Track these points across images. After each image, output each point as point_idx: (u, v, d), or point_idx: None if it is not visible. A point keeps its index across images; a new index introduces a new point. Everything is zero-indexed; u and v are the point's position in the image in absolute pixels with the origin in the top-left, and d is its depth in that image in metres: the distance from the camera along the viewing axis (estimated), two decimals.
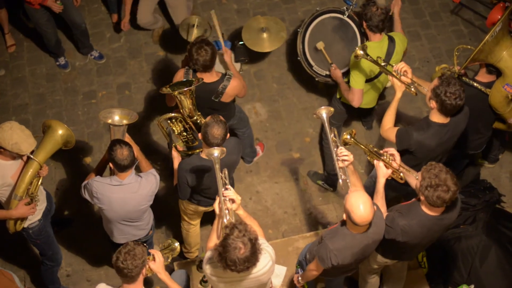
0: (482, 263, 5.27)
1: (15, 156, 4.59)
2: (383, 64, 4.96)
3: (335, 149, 4.31)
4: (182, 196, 4.94)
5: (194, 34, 5.83)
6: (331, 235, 4.20)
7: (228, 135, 4.59)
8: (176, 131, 5.16)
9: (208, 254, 4.01)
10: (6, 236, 5.19)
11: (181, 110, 5.02)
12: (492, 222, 5.41)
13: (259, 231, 4.12)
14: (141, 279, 3.94)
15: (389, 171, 4.41)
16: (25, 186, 4.64)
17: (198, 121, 5.07)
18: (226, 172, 4.16)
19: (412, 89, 4.80)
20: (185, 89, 4.84)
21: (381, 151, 4.46)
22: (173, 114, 5.09)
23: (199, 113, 5.10)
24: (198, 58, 4.92)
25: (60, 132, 4.73)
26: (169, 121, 5.16)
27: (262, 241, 3.95)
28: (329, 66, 5.74)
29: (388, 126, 4.85)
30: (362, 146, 4.52)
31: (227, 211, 3.94)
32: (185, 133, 5.20)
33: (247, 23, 6.19)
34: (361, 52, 4.94)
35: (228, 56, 5.54)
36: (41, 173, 4.74)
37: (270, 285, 4.29)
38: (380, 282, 5.30)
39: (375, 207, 4.06)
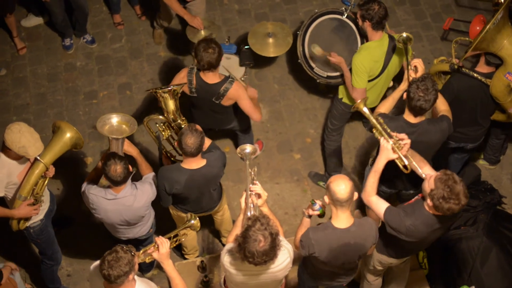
0: (483, 264, 5.26)
1: (21, 157, 4.60)
2: (410, 55, 4.92)
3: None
4: (163, 203, 4.96)
5: (201, 36, 5.90)
6: (317, 226, 4.28)
7: (206, 146, 4.63)
8: (165, 135, 5.17)
9: (228, 246, 4.06)
10: (7, 234, 5.20)
11: (165, 114, 5.04)
12: (493, 224, 5.40)
13: (279, 230, 4.14)
14: (128, 282, 3.86)
15: (394, 155, 4.35)
16: (30, 187, 4.65)
17: (183, 126, 5.07)
18: (256, 169, 4.24)
19: None
20: (168, 88, 4.87)
21: (392, 133, 4.38)
22: (159, 117, 5.11)
23: (184, 118, 5.11)
24: (204, 56, 4.95)
25: (69, 134, 4.72)
26: (157, 125, 5.16)
27: (281, 238, 4.00)
28: (329, 62, 5.66)
29: (381, 109, 4.82)
30: (372, 118, 4.44)
31: (252, 205, 4.00)
32: (174, 140, 5.21)
33: (253, 28, 6.21)
34: (405, 35, 4.95)
35: (252, 92, 5.45)
36: (48, 174, 4.75)
37: (283, 280, 4.32)
38: (382, 283, 5.30)
39: (359, 212, 4.08)
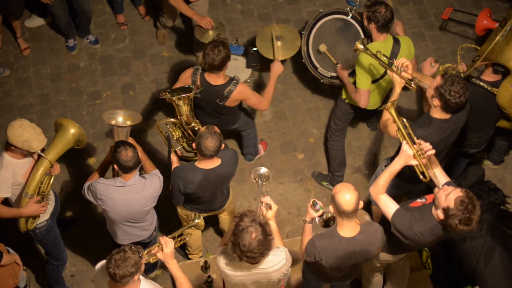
0: (486, 264, 5.25)
1: (26, 154, 4.61)
2: (382, 58, 4.91)
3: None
4: (175, 202, 4.97)
5: (210, 35, 5.91)
6: (323, 233, 4.25)
7: (223, 146, 4.64)
8: (175, 136, 5.17)
9: (221, 248, 4.07)
10: (11, 236, 5.21)
11: (178, 117, 5.05)
12: (496, 223, 5.40)
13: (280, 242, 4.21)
14: (133, 283, 3.87)
15: (414, 162, 4.28)
16: (36, 184, 4.66)
17: (196, 128, 5.07)
18: (268, 189, 4.28)
19: (413, 85, 4.76)
20: (184, 95, 4.87)
21: (417, 141, 4.31)
22: (171, 120, 5.11)
23: (197, 120, 5.12)
24: (209, 55, 4.96)
25: (72, 131, 4.74)
26: (168, 126, 5.17)
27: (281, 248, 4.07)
28: (334, 67, 5.74)
29: (388, 122, 4.77)
30: (399, 121, 4.37)
31: (261, 217, 4.01)
32: (184, 139, 5.22)
33: (261, 30, 6.18)
34: (361, 46, 4.91)
35: (277, 67, 5.56)
36: (53, 171, 4.76)
37: (282, 283, 4.32)
38: (384, 281, 5.31)
39: (367, 218, 4.07)
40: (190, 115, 5.03)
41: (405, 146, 4.27)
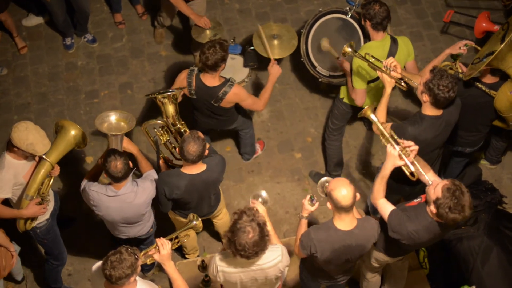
0: (483, 264, 5.26)
1: (27, 156, 4.61)
2: (371, 60, 4.91)
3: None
4: (162, 208, 4.94)
5: (207, 35, 5.91)
6: (318, 226, 4.28)
7: (207, 152, 4.62)
8: (163, 140, 5.16)
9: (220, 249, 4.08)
10: (10, 235, 5.20)
11: (164, 119, 5.04)
12: (493, 223, 5.40)
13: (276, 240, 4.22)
14: (129, 284, 3.86)
15: (401, 162, 4.32)
16: (37, 186, 4.66)
17: (182, 130, 5.07)
18: (265, 194, 4.35)
19: (403, 84, 4.78)
20: (168, 93, 4.86)
21: (399, 140, 4.35)
22: (158, 121, 5.10)
23: (183, 122, 5.12)
24: (204, 53, 4.97)
25: (73, 132, 4.74)
26: (155, 130, 5.16)
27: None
28: (335, 62, 5.69)
29: (381, 122, 4.79)
30: (379, 124, 4.41)
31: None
32: (172, 144, 5.21)
33: (258, 29, 6.17)
34: (349, 49, 4.93)
35: (275, 70, 5.56)
36: (53, 173, 4.77)
37: (280, 282, 4.31)
38: (382, 281, 5.31)
39: (363, 215, 4.08)
40: (176, 116, 5.02)
41: (390, 148, 4.32)
